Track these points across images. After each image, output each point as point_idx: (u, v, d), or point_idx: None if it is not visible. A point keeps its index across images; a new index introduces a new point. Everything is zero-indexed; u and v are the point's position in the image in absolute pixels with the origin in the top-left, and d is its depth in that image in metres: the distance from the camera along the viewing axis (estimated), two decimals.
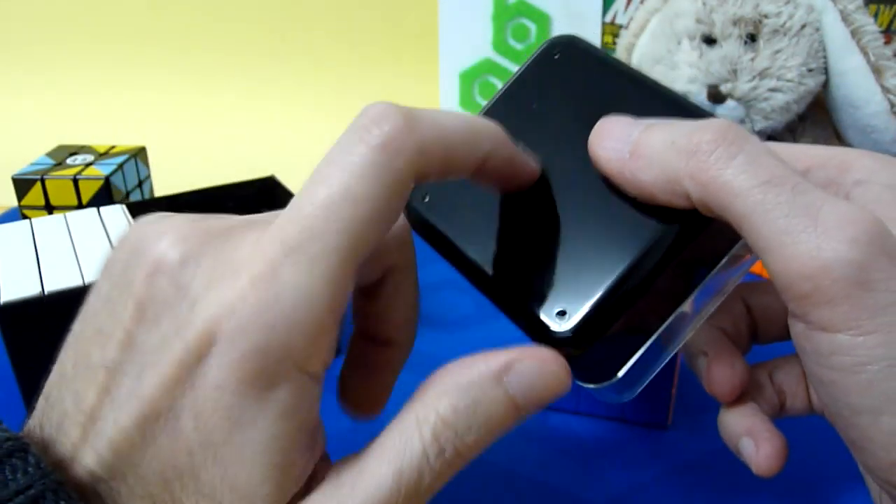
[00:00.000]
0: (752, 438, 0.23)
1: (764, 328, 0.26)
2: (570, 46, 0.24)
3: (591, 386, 0.21)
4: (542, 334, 0.20)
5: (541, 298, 0.20)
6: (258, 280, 0.17)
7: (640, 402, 0.32)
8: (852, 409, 0.18)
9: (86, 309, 0.19)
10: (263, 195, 0.44)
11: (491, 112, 0.24)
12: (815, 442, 0.32)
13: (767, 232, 0.17)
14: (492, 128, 0.20)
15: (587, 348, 0.20)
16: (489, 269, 0.22)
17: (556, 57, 0.24)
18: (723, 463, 0.31)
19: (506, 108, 0.24)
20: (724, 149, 0.18)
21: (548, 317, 0.20)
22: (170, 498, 0.17)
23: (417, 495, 0.18)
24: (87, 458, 0.18)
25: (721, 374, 0.24)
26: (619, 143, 0.20)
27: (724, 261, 0.21)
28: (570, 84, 0.23)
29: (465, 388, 0.18)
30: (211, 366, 0.17)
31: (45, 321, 0.30)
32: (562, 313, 0.20)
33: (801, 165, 0.23)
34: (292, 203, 0.18)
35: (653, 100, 0.22)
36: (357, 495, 0.17)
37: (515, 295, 0.21)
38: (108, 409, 0.18)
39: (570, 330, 0.19)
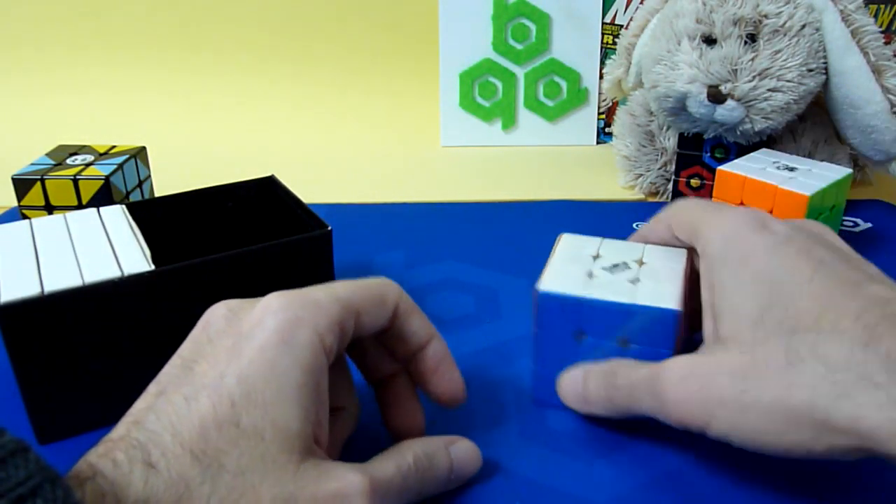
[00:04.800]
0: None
1: None
2: None
3: None
4: None
5: None
6: (301, 297, 0.25)
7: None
8: None
9: None
10: (263, 195, 0.44)
11: None
12: None
13: None
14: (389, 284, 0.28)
15: None
16: None
17: None
18: (723, 463, 0.31)
19: None
20: None
21: None
22: (207, 448, 0.21)
23: (402, 487, 0.26)
24: (120, 431, 0.22)
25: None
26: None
27: None
28: None
29: (428, 444, 0.28)
30: (256, 336, 0.23)
31: (44, 321, 0.30)
32: None
33: (688, 236, 0.32)
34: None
35: None
36: (376, 466, 0.25)
37: None
38: (155, 400, 0.23)
39: None
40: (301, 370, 0.23)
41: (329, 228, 0.36)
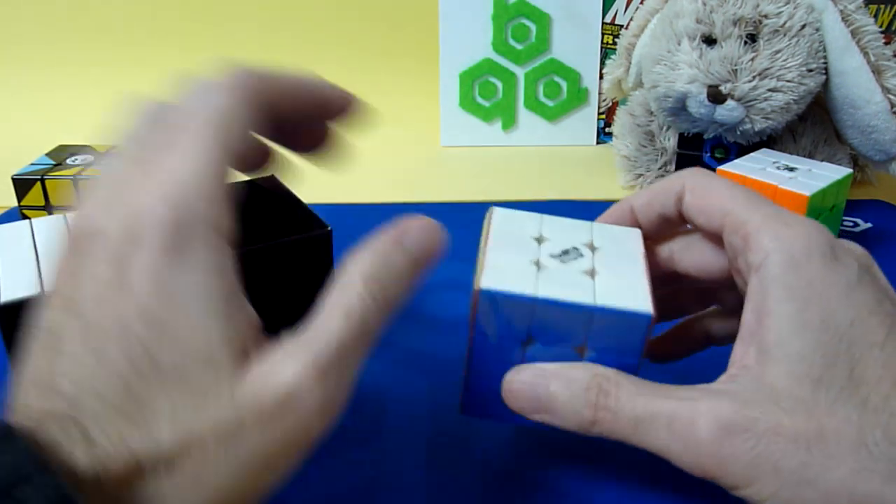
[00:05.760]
0: None
1: None
2: None
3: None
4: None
5: None
6: (162, 182, 0.20)
7: None
8: None
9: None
10: (263, 195, 0.44)
11: None
12: None
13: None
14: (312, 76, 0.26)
15: None
16: None
17: None
18: None
19: None
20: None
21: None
22: (141, 407, 0.19)
23: (364, 333, 0.21)
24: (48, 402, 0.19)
25: None
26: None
27: None
28: None
29: (375, 254, 0.22)
30: (141, 259, 0.19)
31: None
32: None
33: (717, 223, 0.27)
34: None
35: None
36: (318, 335, 0.21)
37: None
38: (55, 356, 0.20)
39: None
40: (204, 275, 0.20)
41: (329, 228, 0.36)
